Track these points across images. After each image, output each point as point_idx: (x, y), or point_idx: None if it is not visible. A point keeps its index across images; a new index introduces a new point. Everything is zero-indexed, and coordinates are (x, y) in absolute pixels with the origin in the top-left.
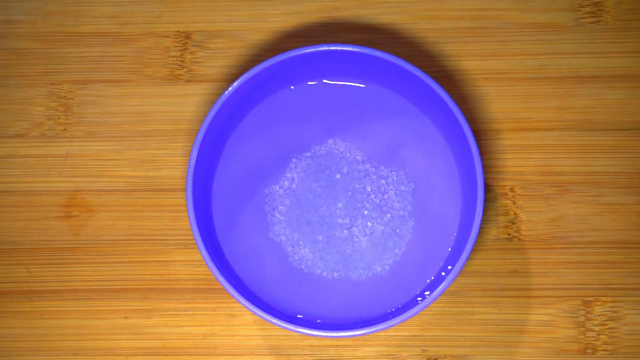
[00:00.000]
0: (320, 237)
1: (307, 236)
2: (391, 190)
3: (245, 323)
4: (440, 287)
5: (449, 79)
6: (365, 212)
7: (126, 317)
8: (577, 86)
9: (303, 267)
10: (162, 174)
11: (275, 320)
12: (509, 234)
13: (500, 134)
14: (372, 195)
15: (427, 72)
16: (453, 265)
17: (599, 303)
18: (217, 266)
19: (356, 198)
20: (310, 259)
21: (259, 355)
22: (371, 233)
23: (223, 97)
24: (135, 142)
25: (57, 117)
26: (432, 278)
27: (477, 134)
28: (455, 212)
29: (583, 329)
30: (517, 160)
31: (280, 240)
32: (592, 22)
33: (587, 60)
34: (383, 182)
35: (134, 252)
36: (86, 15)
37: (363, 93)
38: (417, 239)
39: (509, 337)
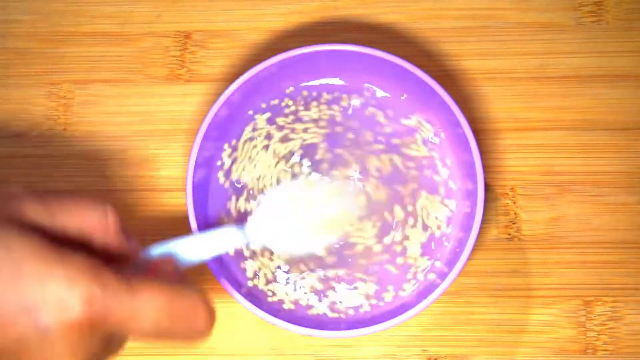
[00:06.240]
0: None
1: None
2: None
3: (246, 323)
4: (441, 287)
5: (449, 78)
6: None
7: None
8: (577, 86)
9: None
10: (162, 174)
11: (275, 320)
12: (509, 234)
13: (500, 134)
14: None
15: (427, 71)
16: (453, 265)
17: (600, 303)
18: (216, 266)
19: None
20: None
21: (259, 355)
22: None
23: (223, 97)
24: (135, 142)
25: (56, 117)
26: (433, 278)
27: (477, 133)
28: (456, 212)
29: (584, 329)
30: (517, 160)
31: None
32: (592, 22)
33: (587, 59)
34: None
35: None
36: (86, 15)
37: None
38: (417, 239)
39: (509, 337)
